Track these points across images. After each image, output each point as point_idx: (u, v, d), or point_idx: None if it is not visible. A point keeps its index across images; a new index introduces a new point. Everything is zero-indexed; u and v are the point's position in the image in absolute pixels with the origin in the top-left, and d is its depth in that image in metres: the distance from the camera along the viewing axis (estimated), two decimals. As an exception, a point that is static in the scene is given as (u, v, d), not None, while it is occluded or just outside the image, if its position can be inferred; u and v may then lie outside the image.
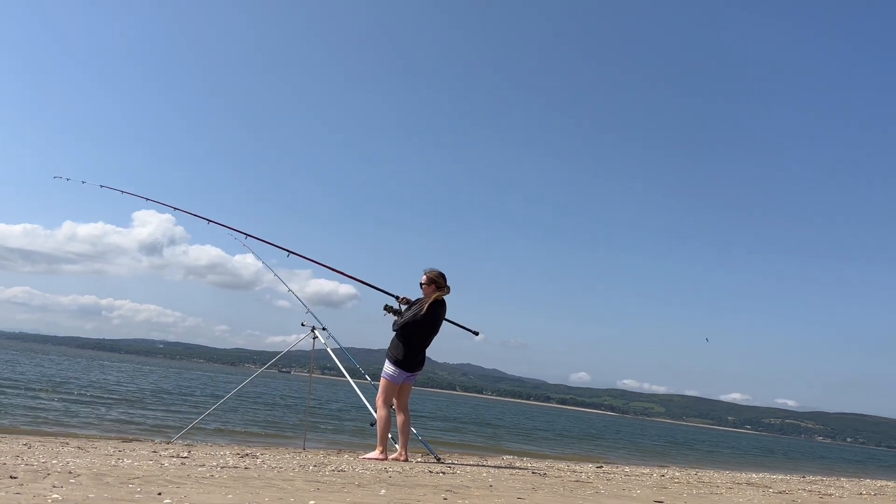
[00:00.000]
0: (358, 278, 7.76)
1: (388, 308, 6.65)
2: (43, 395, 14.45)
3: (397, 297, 6.78)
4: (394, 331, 6.46)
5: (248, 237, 8.18)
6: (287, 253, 8.09)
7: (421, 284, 6.46)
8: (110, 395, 16.68)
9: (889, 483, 10.83)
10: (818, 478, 10.79)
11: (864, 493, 6.83)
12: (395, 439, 6.49)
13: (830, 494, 6.00)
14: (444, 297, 6.47)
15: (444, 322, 6.57)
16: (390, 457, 6.28)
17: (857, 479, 11.63)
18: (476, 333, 7.25)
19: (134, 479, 3.30)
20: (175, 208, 8.81)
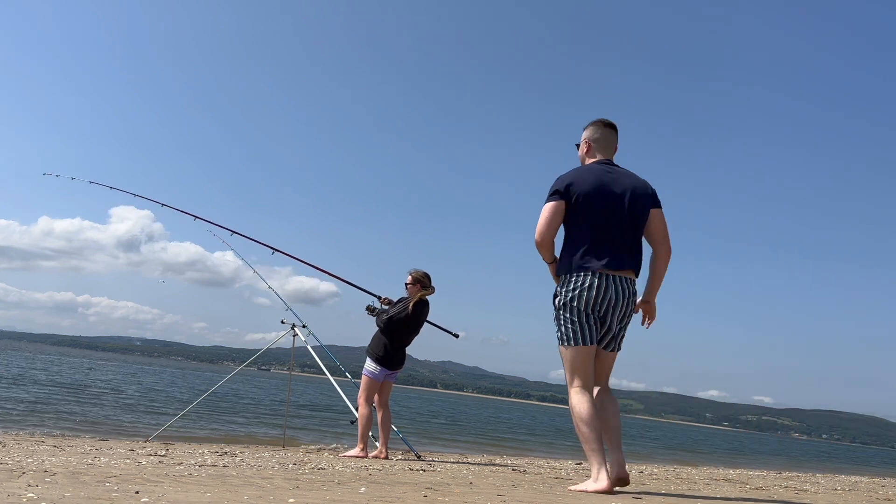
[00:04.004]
0: (341, 277, 7.76)
1: (369, 309, 6.64)
2: (15, 391, 14.25)
3: (379, 297, 6.77)
4: (378, 325, 6.45)
5: (234, 234, 8.13)
6: (272, 250, 8.05)
7: (406, 285, 6.46)
8: (85, 394, 16.48)
9: (863, 479, 11.00)
10: (794, 474, 10.92)
11: (839, 488, 6.92)
12: (375, 437, 6.48)
13: (806, 490, 6.07)
14: (429, 297, 6.48)
15: (425, 323, 6.58)
16: (370, 454, 6.28)
17: (831, 475, 11.80)
18: (456, 336, 7.25)
19: (111, 477, 3.26)
20: (162, 204, 8.87)
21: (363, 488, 3.46)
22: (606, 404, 3.80)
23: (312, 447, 8.74)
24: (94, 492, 2.77)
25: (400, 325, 6.32)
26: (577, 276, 3.72)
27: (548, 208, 3.77)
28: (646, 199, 3.85)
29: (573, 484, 3.97)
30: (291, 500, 2.86)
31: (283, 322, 7.91)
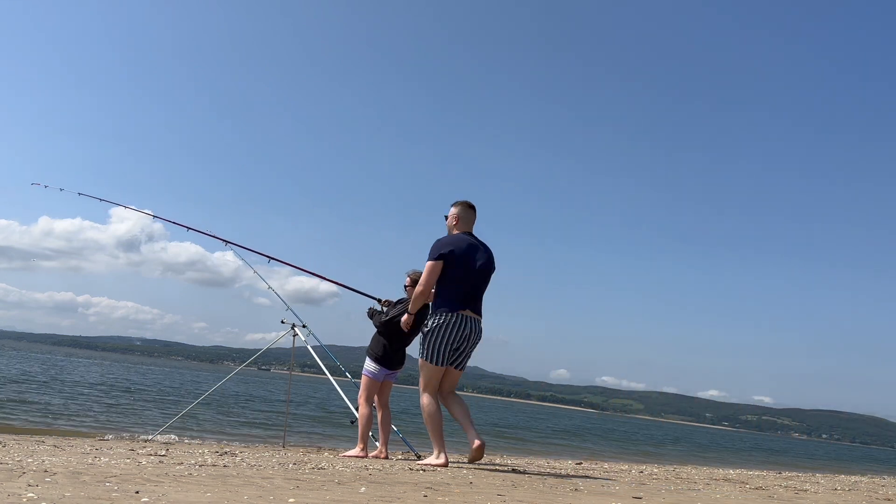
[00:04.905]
0: (339, 282, 7.76)
1: (371, 312, 6.62)
2: (17, 391, 14.24)
3: (379, 300, 6.76)
4: (375, 326, 6.44)
5: (228, 244, 8.13)
6: (268, 259, 8.09)
7: (405, 286, 6.45)
8: (86, 393, 16.47)
9: (863, 479, 10.99)
10: (794, 474, 10.92)
11: (839, 488, 6.93)
12: (375, 437, 6.48)
13: (806, 490, 6.07)
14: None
15: None
16: (371, 454, 6.27)
17: (831, 475, 11.79)
18: None
19: (111, 477, 3.26)
20: (154, 216, 9.21)
21: (363, 488, 3.46)
22: (452, 400, 5.37)
23: (312, 447, 8.74)
24: (94, 492, 2.77)
25: (399, 326, 6.32)
26: (448, 314, 5.21)
27: (432, 266, 5.26)
28: (492, 265, 5.46)
29: (570, 483, 3.96)
30: (291, 500, 2.86)
31: (283, 322, 7.89)
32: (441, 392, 5.38)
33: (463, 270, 5.25)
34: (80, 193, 9.12)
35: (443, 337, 5.20)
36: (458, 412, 5.29)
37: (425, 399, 5.28)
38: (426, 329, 5.28)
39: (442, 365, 5.26)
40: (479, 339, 5.39)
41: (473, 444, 5.09)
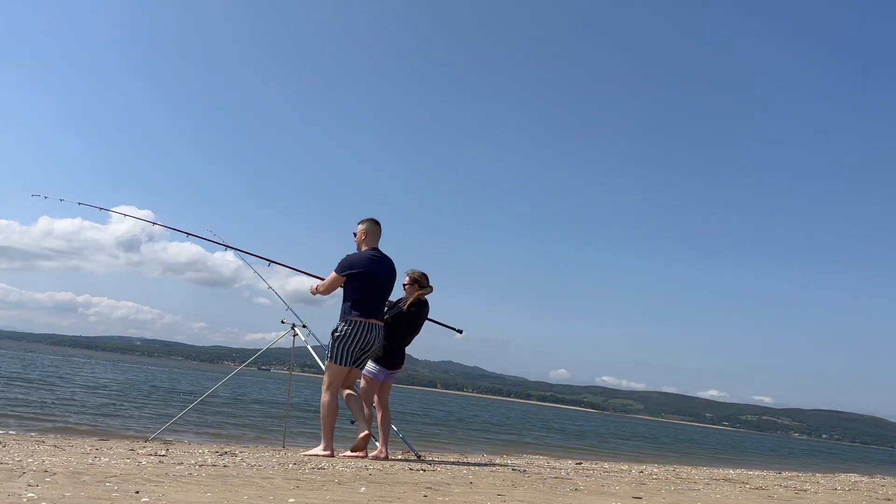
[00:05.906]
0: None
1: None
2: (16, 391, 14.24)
3: None
4: None
5: (228, 248, 8.14)
6: (268, 262, 8.08)
7: (404, 285, 6.46)
8: (84, 393, 16.47)
9: (863, 479, 10.99)
10: (794, 473, 10.92)
11: (839, 488, 6.93)
12: (375, 437, 6.47)
13: (806, 490, 6.08)
14: (428, 297, 6.47)
15: (426, 321, 6.58)
16: (371, 454, 6.27)
17: (831, 475, 11.79)
18: (459, 331, 7.25)
19: (111, 477, 3.26)
20: (153, 222, 9.88)
21: (363, 488, 3.46)
22: (350, 395, 6.12)
23: (312, 447, 8.73)
24: (94, 492, 2.78)
25: (397, 326, 6.33)
26: (356, 322, 5.95)
27: (333, 278, 6.08)
28: (393, 277, 6.20)
29: (570, 483, 3.96)
30: (291, 500, 2.86)
31: (283, 322, 7.88)
32: (342, 388, 6.14)
33: (363, 284, 5.99)
34: (80, 203, 9.22)
35: (351, 342, 5.96)
36: (354, 405, 6.09)
37: (327, 396, 6.01)
38: (337, 334, 5.99)
39: (346, 366, 6.00)
40: (381, 340, 6.18)
41: (362, 434, 5.93)
